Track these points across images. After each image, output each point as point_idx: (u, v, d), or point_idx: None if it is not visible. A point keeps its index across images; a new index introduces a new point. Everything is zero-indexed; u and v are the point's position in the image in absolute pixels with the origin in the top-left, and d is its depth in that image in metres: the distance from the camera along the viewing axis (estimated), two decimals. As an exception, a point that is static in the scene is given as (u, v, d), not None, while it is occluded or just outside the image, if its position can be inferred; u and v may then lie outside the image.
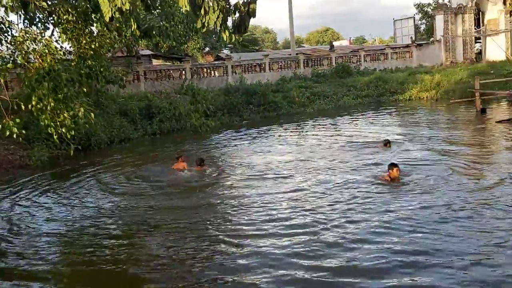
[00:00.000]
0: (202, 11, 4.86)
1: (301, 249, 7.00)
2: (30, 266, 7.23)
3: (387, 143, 14.20)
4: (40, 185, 12.75)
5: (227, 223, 8.74)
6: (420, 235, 7.19)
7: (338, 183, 10.58)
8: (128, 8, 4.99)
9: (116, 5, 4.97)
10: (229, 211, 9.35)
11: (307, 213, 8.69)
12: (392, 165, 10.32)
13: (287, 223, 8.26)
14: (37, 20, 12.11)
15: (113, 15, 5.29)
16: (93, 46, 9.09)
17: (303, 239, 7.39)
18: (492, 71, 30.69)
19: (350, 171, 11.71)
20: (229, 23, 5.56)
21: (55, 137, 8.23)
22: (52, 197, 11.39)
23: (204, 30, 5.12)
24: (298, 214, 8.69)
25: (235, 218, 8.88)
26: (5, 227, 9.32)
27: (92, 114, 8.42)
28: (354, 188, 10.05)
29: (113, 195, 11.28)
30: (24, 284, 6.72)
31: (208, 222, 8.76)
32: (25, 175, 14.05)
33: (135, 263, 7.16)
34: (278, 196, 10.02)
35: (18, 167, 15.17)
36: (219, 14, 4.87)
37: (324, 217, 8.43)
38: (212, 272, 6.64)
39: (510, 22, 39.19)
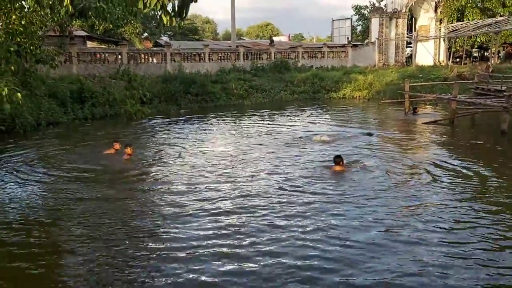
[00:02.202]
0: (145, -10, 4.72)
1: (225, 242, 7.02)
2: None
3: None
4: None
5: (150, 213, 8.54)
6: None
7: (271, 172, 10.79)
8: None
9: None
10: (154, 200, 9.21)
11: (237, 202, 8.79)
12: (337, 157, 10.81)
13: (214, 211, 8.33)
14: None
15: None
16: (23, 22, 8.52)
17: (228, 232, 7.43)
18: (420, 75, 32.40)
19: (287, 162, 11.95)
20: (169, 7, 5.44)
21: (-24, 116, 7.68)
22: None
23: (146, 10, 4.96)
24: (227, 204, 8.73)
25: (158, 208, 8.72)
26: None
27: (19, 95, 7.92)
28: (288, 180, 10.28)
29: (36, 181, 10.69)
30: None
31: (132, 211, 8.58)
32: None
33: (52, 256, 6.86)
34: (204, 184, 10.09)
35: None
36: (162, -6, 4.75)
37: (254, 204, 8.62)
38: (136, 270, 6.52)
39: (440, 29, 41.57)
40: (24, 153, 13.77)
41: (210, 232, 7.42)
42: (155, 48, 33.85)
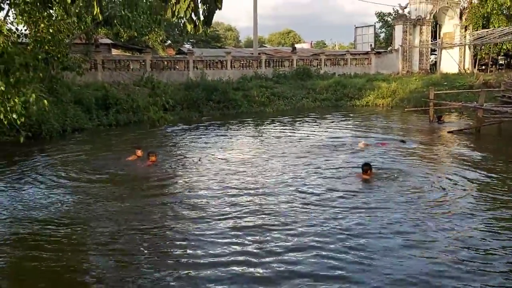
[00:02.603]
0: (173, 0, 4.77)
1: (250, 249, 7.01)
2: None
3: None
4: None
5: (170, 219, 8.59)
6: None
7: (290, 181, 10.72)
8: (93, -11, 4.82)
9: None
10: (176, 207, 9.22)
11: (259, 212, 8.73)
12: (365, 165, 10.77)
13: (237, 221, 8.23)
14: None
15: (77, -4, 5.08)
16: (51, 31, 8.71)
17: (252, 240, 7.38)
18: (445, 83, 31.90)
19: (309, 170, 11.88)
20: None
21: (5, 122, 7.83)
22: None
23: (174, 19, 5.01)
24: (250, 213, 8.69)
25: (178, 215, 8.74)
26: None
27: (46, 101, 8.08)
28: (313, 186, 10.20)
29: (60, 186, 10.88)
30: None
31: (155, 217, 8.67)
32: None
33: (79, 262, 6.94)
34: (225, 191, 10.12)
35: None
36: (190, 3, 4.79)
37: (276, 210, 8.60)
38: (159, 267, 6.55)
39: (464, 36, 40.93)
40: (50, 158, 14.04)
41: (231, 240, 7.39)
42: (178, 56, 34.21)
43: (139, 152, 13.25)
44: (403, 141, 15.95)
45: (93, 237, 7.74)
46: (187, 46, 45.82)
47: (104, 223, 8.28)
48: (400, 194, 9.72)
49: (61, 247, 7.21)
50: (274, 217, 8.33)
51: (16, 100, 7.56)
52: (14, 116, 7.70)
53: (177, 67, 30.77)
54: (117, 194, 10.06)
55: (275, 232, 7.64)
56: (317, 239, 7.31)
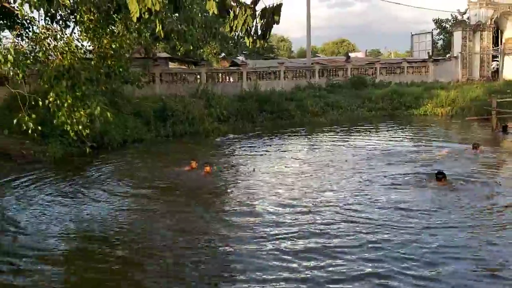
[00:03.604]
0: (231, 15, 4.88)
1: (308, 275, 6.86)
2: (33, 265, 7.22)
3: (476, 146, 14.81)
4: (52, 182, 12.83)
5: (222, 230, 8.63)
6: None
7: (348, 196, 10.53)
8: (158, 9, 5.02)
9: (146, 6, 4.99)
10: (227, 219, 9.28)
11: (316, 231, 8.61)
12: (439, 174, 10.84)
13: (296, 242, 7.89)
14: (58, 17, 12.24)
15: (142, 15, 5.30)
16: (114, 46, 9.14)
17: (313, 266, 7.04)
18: (508, 90, 30.31)
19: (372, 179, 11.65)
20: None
21: (71, 134, 8.27)
22: (61, 195, 11.46)
23: (232, 34, 5.13)
24: (304, 223, 8.62)
25: (230, 227, 8.75)
26: (11, 222, 9.40)
27: (109, 113, 8.47)
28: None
29: (123, 196, 11.33)
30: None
31: (204, 229, 8.78)
32: (39, 170, 14.19)
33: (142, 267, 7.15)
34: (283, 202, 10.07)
35: (32, 162, 15.27)
36: (247, 18, 4.89)
37: (332, 221, 8.44)
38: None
39: (529, 41, 38.88)
40: (112, 168, 14.65)
41: (282, 255, 7.30)
42: (231, 68, 34.74)
43: (194, 164, 13.55)
44: (475, 147, 14.98)
45: (146, 248, 7.96)
46: (241, 58, 46.47)
47: (154, 236, 8.46)
48: (470, 204, 9.39)
49: (116, 260, 7.42)
50: (336, 238, 7.86)
51: (82, 112, 8.00)
52: (80, 127, 8.13)
53: (231, 78, 31.25)
54: (171, 206, 10.31)
55: (337, 254, 7.17)
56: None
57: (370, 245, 7.47)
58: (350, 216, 9.02)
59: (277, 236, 8.08)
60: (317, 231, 8.28)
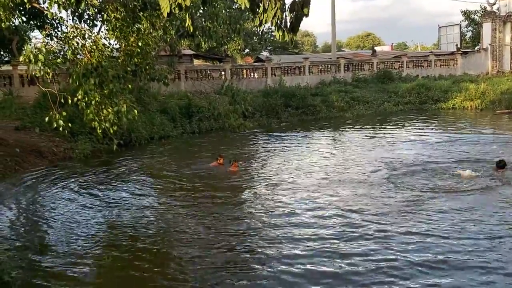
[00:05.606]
0: (261, 9, 4.89)
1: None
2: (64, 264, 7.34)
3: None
4: (82, 178, 13.11)
5: (250, 228, 8.64)
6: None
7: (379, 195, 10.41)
8: (188, 4, 5.06)
9: (176, 1, 5.03)
10: (254, 217, 9.25)
11: (343, 219, 8.56)
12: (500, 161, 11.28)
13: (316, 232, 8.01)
14: (86, 17, 12.47)
15: (172, 10, 5.34)
16: (140, 44, 9.25)
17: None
18: (541, 82, 29.41)
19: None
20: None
21: (98, 131, 8.42)
22: (91, 191, 11.70)
23: (261, 27, 5.15)
24: (330, 224, 8.56)
25: (257, 227, 8.69)
26: (40, 217, 9.70)
27: (136, 111, 8.59)
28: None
29: (152, 192, 11.53)
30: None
31: (231, 225, 8.82)
32: (68, 167, 14.54)
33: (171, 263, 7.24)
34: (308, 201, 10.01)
35: (62, 159, 15.65)
36: (277, 11, 4.90)
37: (361, 220, 8.33)
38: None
39: None
40: (140, 165, 14.90)
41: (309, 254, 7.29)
42: (256, 63, 34.71)
43: (221, 160, 13.65)
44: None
45: (174, 245, 8.07)
46: (265, 53, 46.42)
47: (182, 234, 8.45)
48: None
49: (147, 256, 7.51)
50: (367, 244, 7.48)
51: (109, 110, 8.13)
52: (107, 125, 8.27)
53: (255, 74, 31.24)
54: (199, 202, 10.36)
55: (361, 258, 6.95)
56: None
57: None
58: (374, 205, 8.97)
59: (301, 237, 7.97)
60: (344, 232, 8.05)
